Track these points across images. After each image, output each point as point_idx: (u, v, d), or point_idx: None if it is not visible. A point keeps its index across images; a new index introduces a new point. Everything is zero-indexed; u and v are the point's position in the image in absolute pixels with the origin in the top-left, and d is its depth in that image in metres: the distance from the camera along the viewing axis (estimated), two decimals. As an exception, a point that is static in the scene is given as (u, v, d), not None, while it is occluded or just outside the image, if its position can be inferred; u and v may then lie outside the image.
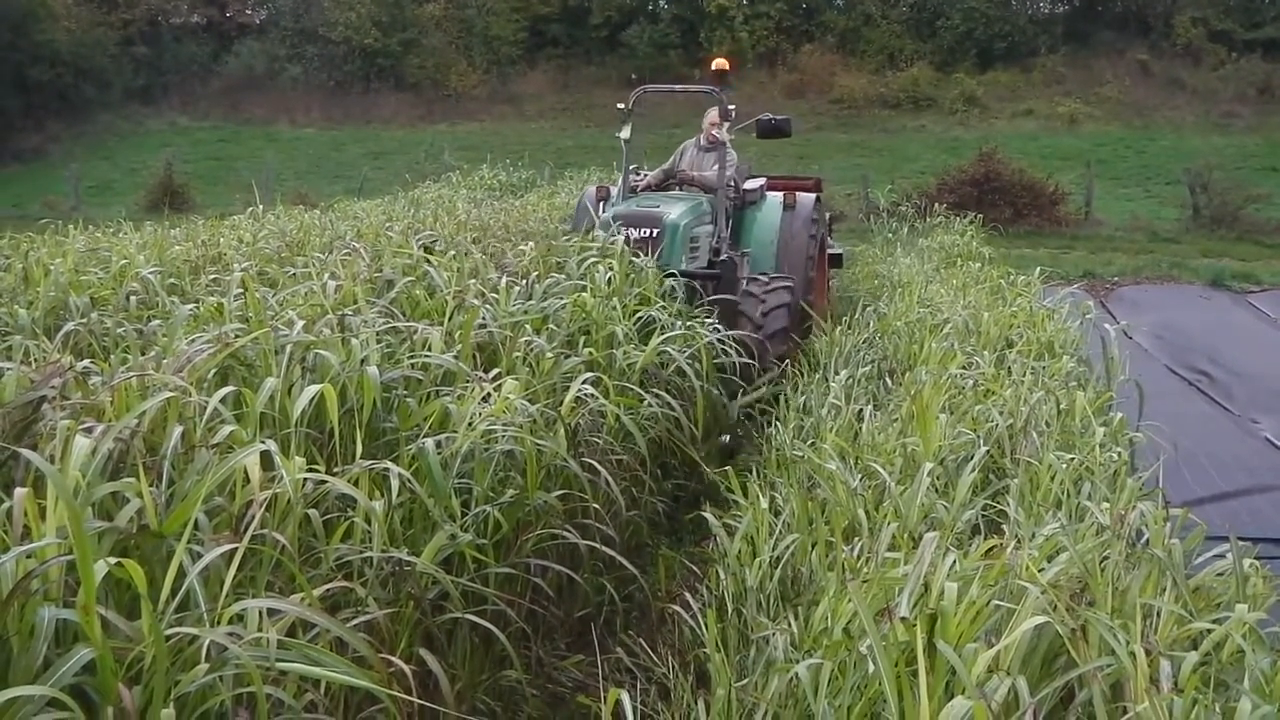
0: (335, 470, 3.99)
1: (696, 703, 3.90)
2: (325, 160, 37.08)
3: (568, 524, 4.95)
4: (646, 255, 8.49)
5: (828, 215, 12.46)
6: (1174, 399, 10.84)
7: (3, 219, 22.52)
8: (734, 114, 10.72)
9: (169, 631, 2.85)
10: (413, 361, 5.24)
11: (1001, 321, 8.08)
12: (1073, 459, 4.91)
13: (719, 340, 7.67)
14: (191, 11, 48.11)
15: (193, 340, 4.81)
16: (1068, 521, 3.99)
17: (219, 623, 2.98)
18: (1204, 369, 12.29)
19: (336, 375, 4.61)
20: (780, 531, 4.60)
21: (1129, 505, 4.04)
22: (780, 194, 10.96)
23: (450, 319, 6.07)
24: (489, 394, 4.93)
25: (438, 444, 4.37)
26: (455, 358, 5.36)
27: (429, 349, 5.37)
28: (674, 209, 9.60)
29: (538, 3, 46.44)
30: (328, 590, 3.47)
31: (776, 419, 6.91)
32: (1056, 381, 6.51)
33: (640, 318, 7.29)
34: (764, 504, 4.80)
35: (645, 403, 6.18)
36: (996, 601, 3.20)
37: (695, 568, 5.70)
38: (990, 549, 3.51)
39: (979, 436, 5.25)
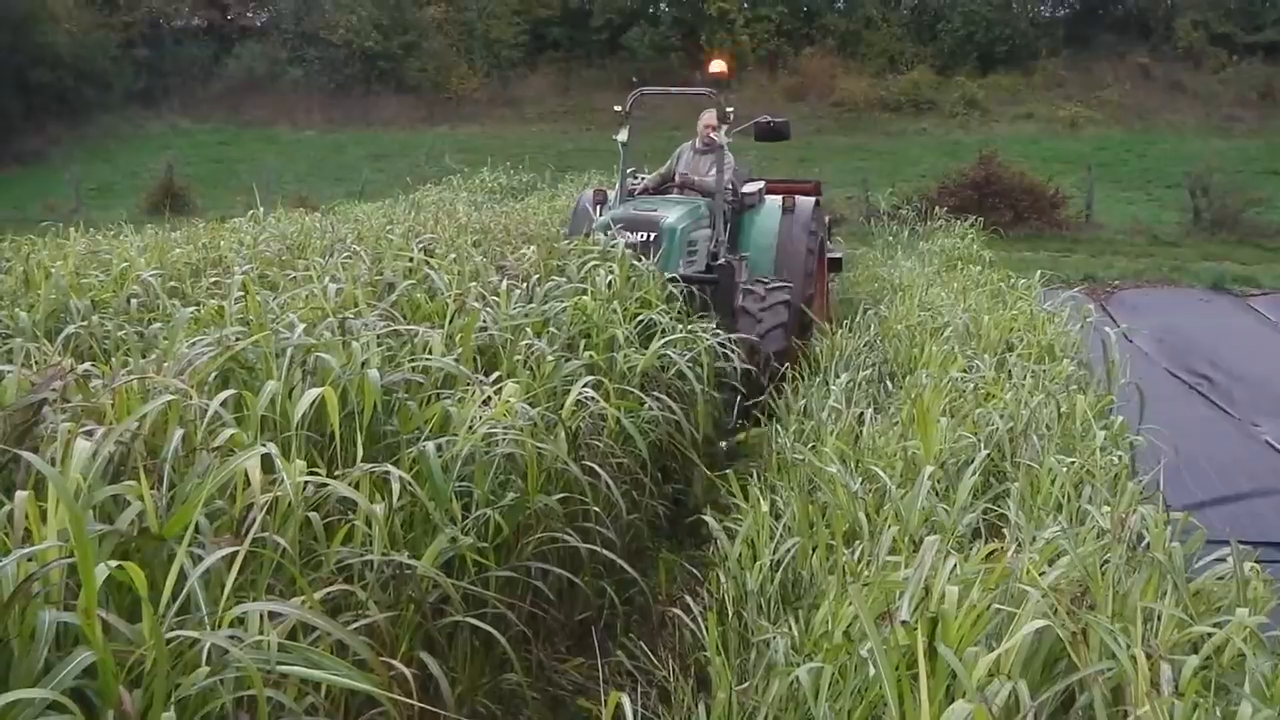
0: (336, 473, 3.99)
1: (697, 706, 3.91)
2: (326, 163, 37.07)
3: (568, 527, 4.95)
4: (644, 259, 8.44)
5: (827, 219, 12.41)
6: (1175, 402, 10.84)
7: (3, 221, 22.48)
8: (732, 116, 10.62)
9: (170, 634, 2.85)
10: (413, 365, 5.24)
11: (1002, 325, 8.08)
12: (1073, 462, 4.91)
13: (719, 344, 7.65)
14: (192, 14, 48.09)
15: (194, 343, 4.82)
16: (1068, 525, 3.99)
17: (220, 626, 2.97)
18: (1205, 372, 12.28)
19: (337, 378, 4.61)
20: (781, 535, 4.61)
21: (1130, 509, 4.04)
22: (779, 197, 10.91)
23: (451, 322, 6.07)
24: (490, 397, 4.93)
25: (438, 447, 4.37)
26: (456, 361, 5.36)
27: (430, 352, 5.38)
28: (671, 213, 9.55)
29: (538, 5, 46.45)
30: (328, 593, 3.47)
31: (777, 422, 6.91)
32: (1057, 385, 6.52)
33: (641, 321, 7.28)
34: (765, 507, 4.81)
35: (646, 406, 6.18)
36: (997, 605, 3.21)
37: (696, 571, 5.70)
38: (991, 553, 3.51)
39: (979, 440, 5.25)
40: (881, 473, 4.71)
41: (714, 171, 10.44)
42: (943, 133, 38.29)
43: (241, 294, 5.98)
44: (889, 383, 7.23)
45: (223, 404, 3.97)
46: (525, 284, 7.31)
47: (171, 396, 3.81)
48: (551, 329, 6.56)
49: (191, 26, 47.81)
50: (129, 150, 39.20)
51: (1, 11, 38.44)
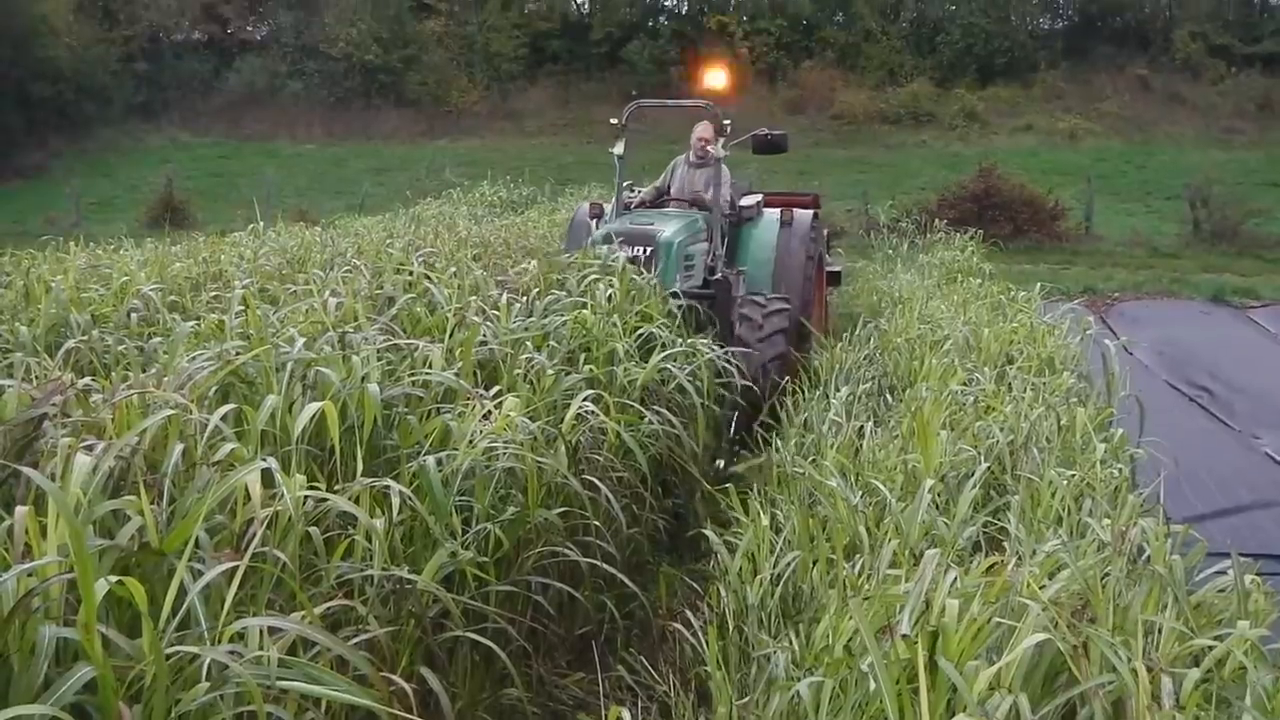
0: (336, 488, 3.99)
1: (698, 720, 3.91)
2: (326, 176, 37.09)
3: (568, 541, 4.95)
4: (641, 274, 8.38)
5: (826, 232, 12.33)
6: (1175, 415, 10.84)
7: (4, 235, 22.50)
8: (729, 129, 10.46)
9: (169, 650, 2.85)
10: (413, 379, 5.24)
11: (1002, 337, 8.08)
12: (1073, 475, 4.91)
13: (719, 358, 7.63)
14: (193, 28, 48.13)
15: (194, 357, 4.82)
16: (1069, 538, 3.99)
17: (220, 641, 2.97)
18: (1205, 384, 12.29)
19: (337, 393, 4.61)
20: (781, 549, 4.60)
21: (1130, 522, 4.04)
22: (777, 210, 10.82)
23: (451, 336, 6.07)
24: (490, 411, 4.93)
25: (438, 461, 4.37)
26: (456, 375, 5.36)
27: (430, 366, 5.38)
28: (668, 227, 9.44)
29: (538, 19, 46.58)
30: (328, 608, 3.46)
31: (777, 436, 6.91)
32: (1057, 397, 6.52)
33: (641, 334, 7.28)
34: (765, 521, 4.81)
35: (646, 420, 6.18)
36: (998, 619, 3.20)
37: (696, 585, 5.70)
38: (991, 566, 3.51)
39: (979, 453, 5.26)
40: (882, 486, 4.71)
41: (710, 185, 10.35)
42: (942, 145, 38.32)
43: (242, 308, 5.98)
44: (889, 396, 7.23)
45: (223, 418, 3.97)
46: (525, 298, 7.31)
47: (172, 411, 3.81)
48: (551, 343, 6.56)
49: (191, 40, 47.85)
50: (129, 164, 39.22)
51: (2, 26, 38.49)
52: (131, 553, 3.16)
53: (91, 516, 3.13)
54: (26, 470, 3.19)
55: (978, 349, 7.83)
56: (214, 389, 4.53)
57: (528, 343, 6.32)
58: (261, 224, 13.58)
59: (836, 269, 12.94)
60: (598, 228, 10.03)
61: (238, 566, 3.09)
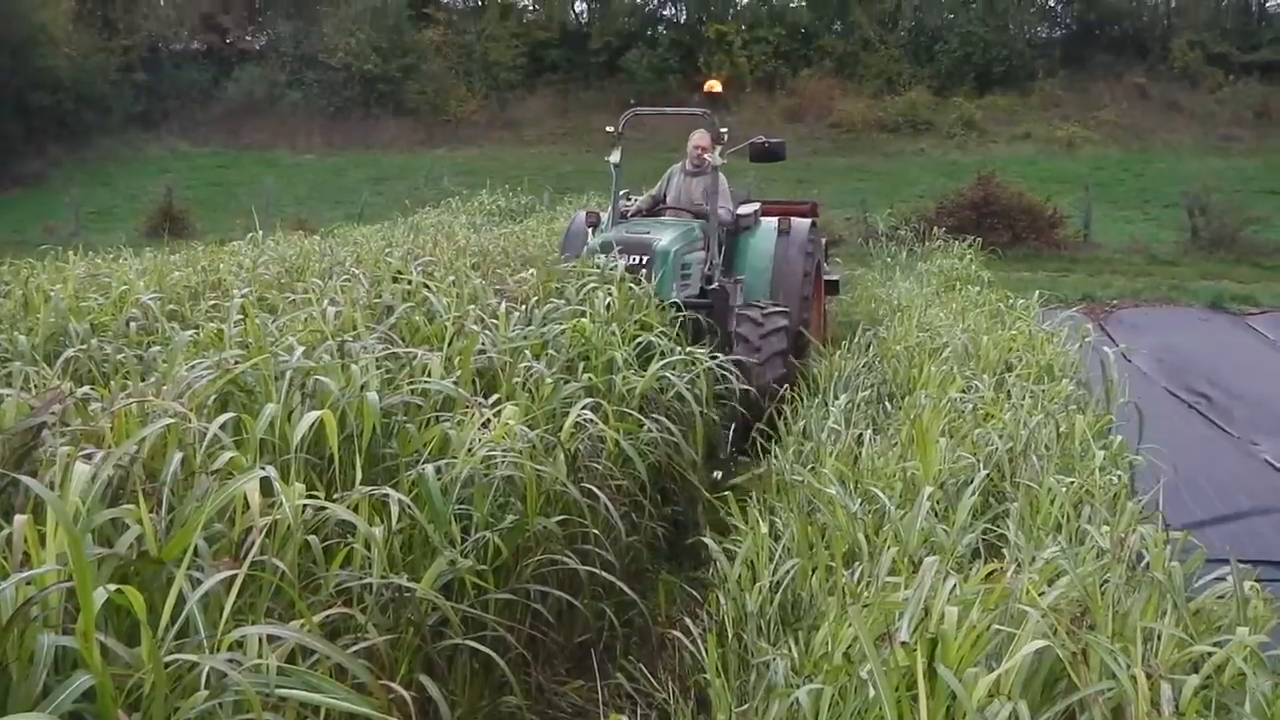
0: (335, 496, 4.00)
1: (697, 728, 3.91)
2: (325, 186, 37.10)
3: (567, 549, 4.95)
4: (638, 283, 8.35)
5: (824, 240, 12.28)
6: (1173, 421, 10.84)
7: (3, 244, 22.50)
8: (726, 136, 10.42)
9: (168, 658, 2.85)
10: (412, 387, 5.25)
11: (1001, 345, 8.09)
12: (1072, 482, 4.92)
13: (718, 366, 7.61)
14: (191, 38, 48.18)
15: (192, 366, 4.82)
16: (1068, 545, 3.99)
17: (218, 649, 2.97)
18: (1203, 391, 12.29)
19: (336, 401, 4.62)
20: (780, 556, 4.61)
21: (1129, 528, 4.05)
22: (775, 219, 10.79)
23: (450, 344, 6.07)
24: (489, 419, 4.93)
25: (437, 470, 4.37)
26: (455, 383, 5.36)
27: (429, 375, 5.38)
28: (664, 235, 9.39)
29: (537, 28, 46.63)
30: (327, 616, 3.46)
31: (776, 443, 6.91)
32: (1056, 405, 6.52)
33: (640, 343, 7.28)
34: (764, 529, 4.81)
35: (645, 428, 6.18)
36: (997, 625, 3.20)
37: (695, 593, 5.69)
38: (990, 573, 3.51)
39: (979, 460, 5.26)
40: (881, 493, 4.71)
41: (707, 194, 10.31)
42: (940, 153, 38.35)
43: (240, 317, 5.99)
44: (888, 404, 7.24)
45: (222, 427, 3.97)
46: (524, 306, 7.31)
47: (170, 420, 3.82)
48: (550, 351, 6.56)
49: (190, 50, 47.87)
50: (128, 173, 39.23)
51: (2, 36, 38.53)
52: (130, 561, 3.16)
53: (90, 525, 3.12)
54: (25, 479, 3.19)
55: (977, 356, 7.83)
56: (213, 398, 4.54)
57: (526, 351, 6.32)
58: (260, 233, 13.58)
59: (835, 278, 12.92)
60: (594, 236, 10.01)
61: (236, 575, 3.09)
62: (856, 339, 9.21)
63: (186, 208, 31.05)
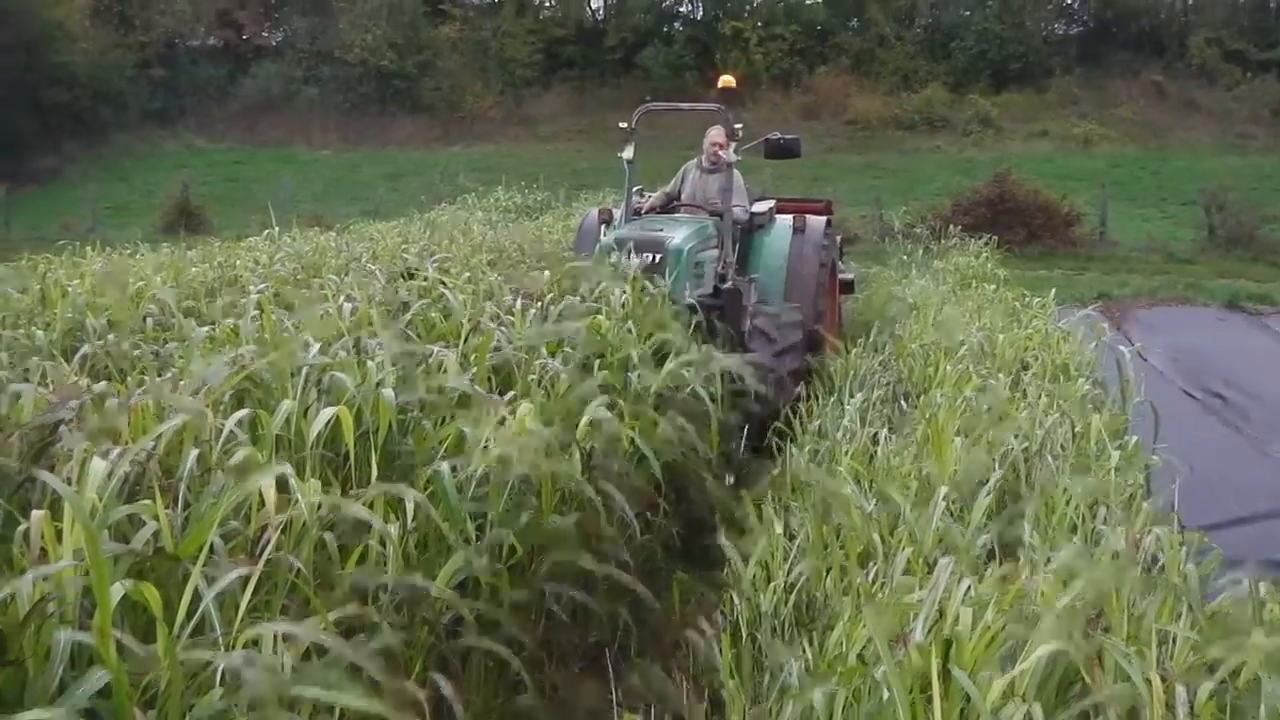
0: (350, 493, 4.00)
1: (711, 728, 3.91)
2: (341, 182, 37.18)
3: (582, 548, 4.94)
4: (651, 281, 8.25)
5: (839, 239, 12.12)
6: (1190, 422, 10.82)
7: (20, 241, 22.65)
8: (740, 133, 10.33)
9: (184, 655, 2.86)
10: (428, 384, 5.24)
11: (1016, 344, 8.07)
12: (1088, 483, 4.90)
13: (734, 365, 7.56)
14: (208, 34, 48.34)
15: (209, 362, 4.83)
16: (1083, 546, 3.98)
17: (234, 646, 2.98)
18: (1220, 391, 12.26)
19: (352, 398, 4.62)
20: (795, 556, 4.60)
21: (1145, 530, 4.03)
22: (790, 217, 10.65)
23: (466, 342, 6.07)
24: (504, 417, 4.93)
25: (453, 467, 4.37)
26: (471, 381, 5.36)
27: (444, 372, 5.38)
28: (678, 233, 9.28)
29: (553, 25, 46.68)
30: (342, 614, 3.47)
31: (791, 442, 6.90)
32: (1072, 404, 6.50)
33: (655, 341, 7.25)
34: (779, 529, 4.80)
35: (660, 426, 6.17)
36: (1011, 627, 3.20)
37: (710, 593, 5.69)
38: (1005, 574, 3.50)
39: (994, 460, 5.24)
40: (896, 494, 4.71)
41: (723, 191, 10.22)
42: (956, 151, 38.32)
43: (257, 313, 6.00)
44: (903, 403, 7.22)
45: (238, 423, 3.99)
46: (540, 304, 7.30)
47: (187, 416, 3.82)
48: (566, 349, 6.55)
49: (207, 46, 48.04)
50: (145, 169, 39.36)
51: (18, 32, 38.67)
52: (146, 557, 3.17)
53: (107, 521, 3.13)
54: (43, 474, 3.20)
55: (992, 355, 7.81)
56: (229, 394, 4.54)
57: (542, 349, 6.32)
58: (277, 229, 13.58)
59: (849, 276, 12.76)
60: (606, 234, 9.89)
61: (252, 572, 3.10)
62: (872, 338, 9.18)
63: (203, 204, 31.19)
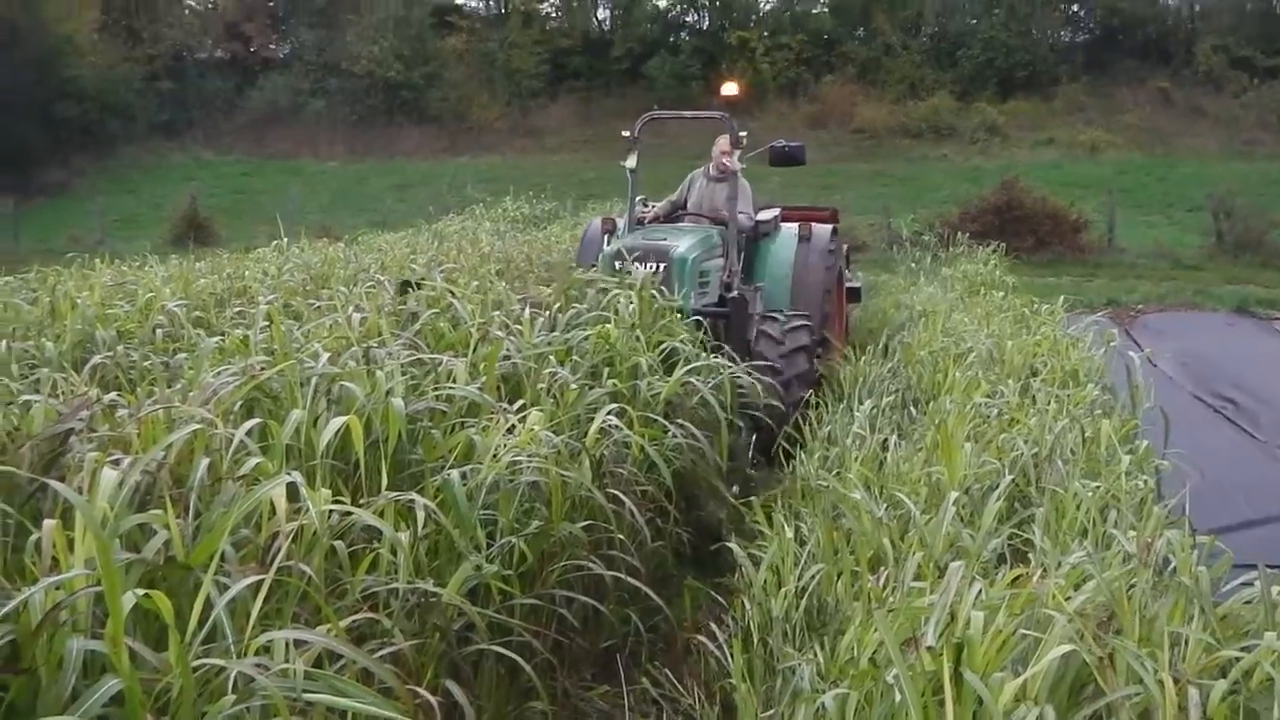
0: (361, 502, 4.00)
1: (722, 733, 3.91)
2: (349, 193, 37.23)
3: (593, 555, 4.95)
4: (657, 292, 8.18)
5: (845, 247, 12.08)
6: (1200, 426, 10.80)
7: (30, 253, 22.71)
8: (744, 141, 10.23)
9: (196, 662, 2.86)
10: (437, 393, 5.25)
11: (1025, 350, 8.06)
12: (1098, 487, 4.90)
13: (740, 374, 7.53)
14: (215, 46, 48.52)
15: (219, 373, 4.84)
16: (1094, 550, 3.97)
17: (246, 654, 2.98)
18: (1230, 396, 12.23)
19: (362, 407, 4.63)
20: (806, 561, 4.60)
21: (1155, 533, 4.03)
22: (795, 225, 10.62)
23: (474, 351, 6.08)
24: (514, 425, 4.94)
25: (463, 475, 4.37)
26: (480, 389, 5.37)
27: (453, 381, 5.38)
28: (682, 242, 9.19)
29: (559, 36, 46.79)
30: (354, 621, 3.47)
31: (801, 449, 6.90)
32: (1081, 410, 6.49)
33: (664, 349, 7.25)
34: (789, 534, 4.80)
35: (670, 434, 6.17)
36: (1023, 630, 3.19)
37: (720, 598, 5.69)
38: (1016, 578, 3.50)
39: (1004, 465, 5.24)
40: (906, 499, 4.70)
41: (728, 200, 10.10)
42: (963, 159, 38.33)
43: (266, 323, 6.01)
44: (913, 409, 7.21)
45: (248, 433, 3.99)
46: (548, 312, 7.31)
47: (197, 426, 3.83)
48: (575, 357, 6.55)
49: (214, 59, 48.24)
50: (152, 182, 39.46)
51: (28, 46, 38.82)
52: (158, 566, 3.17)
53: (118, 530, 3.14)
54: (54, 484, 3.21)
55: (1001, 362, 7.81)
56: (239, 404, 4.55)
57: (551, 357, 6.32)
58: (285, 240, 13.61)
59: (857, 285, 12.72)
60: (609, 243, 9.83)
61: (263, 580, 3.11)
62: (880, 344, 9.17)
63: (211, 216, 31.26)
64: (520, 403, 5.43)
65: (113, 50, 43.49)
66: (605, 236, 10.38)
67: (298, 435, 4.26)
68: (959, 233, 20.38)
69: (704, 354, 7.42)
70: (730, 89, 12.20)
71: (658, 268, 8.76)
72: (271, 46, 49.67)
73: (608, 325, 6.99)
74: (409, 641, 3.59)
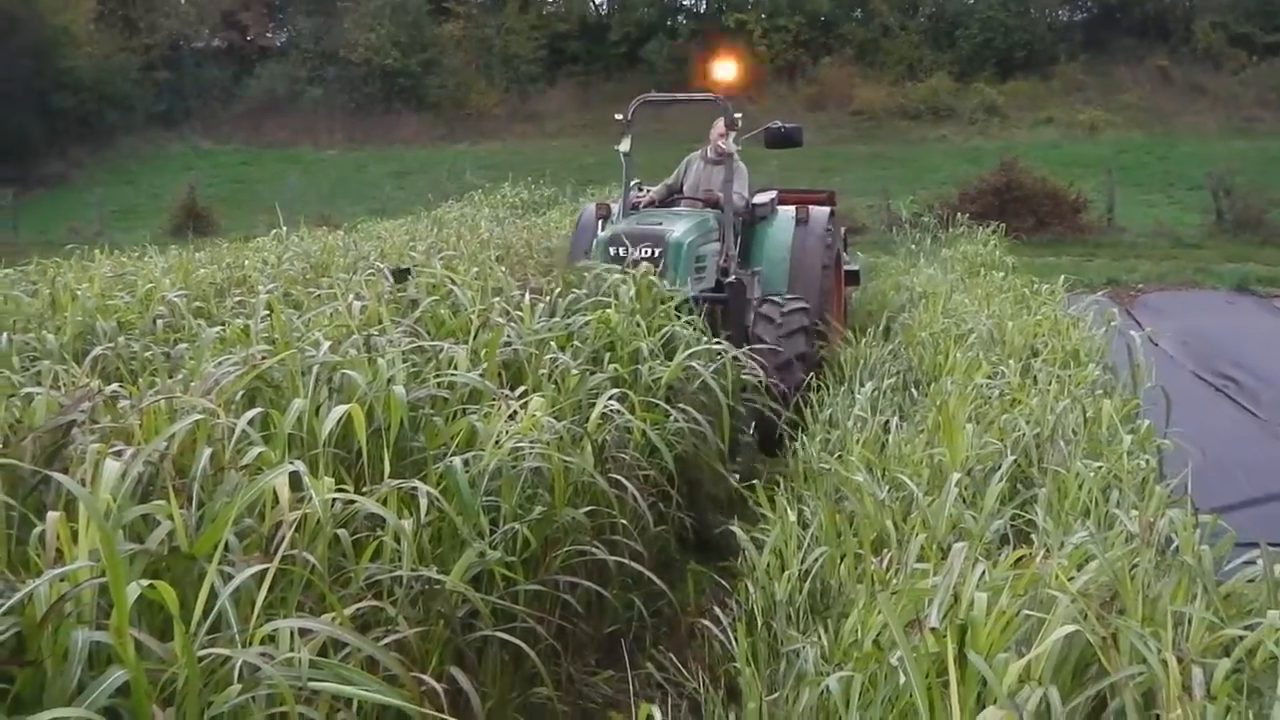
0: (364, 490, 4.01)
1: (728, 717, 3.91)
2: (348, 181, 37.16)
3: (596, 540, 4.95)
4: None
5: (843, 229, 12.00)
6: (1201, 405, 10.78)
7: (29, 245, 22.68)
8: (740, 123, 10.11)
9: (201, 652, 2.87)
10: (439, 380, 5.25)
11: (1026, 330, 8.06)
12: (1100, 467, 4.90)
13: (742, 356, 7.51)
14: (212, 35, 48.45)
15: (220, 362, 4.84)
16: (1096, 530, 3.98)
17: (251, 643, 2.99)
18: (1230, 374, 12.21)
19: (363, 395, 4.62)
20: (809, 544, 4.60)
21: (1158, 512, 4.03)
22: (792, 208, 10.51)
23: (475, 337, 6.07)
24: (515, 411, 4.94)
25: (465, 462, 4.38)
26: (481, 376, 5.36)
27: (455, 368, 5.38)
28: (678, 226, 9.08)
29: (556, 20, 46.68)
30: (358, 609, 3.48)
31: (803, 431, 6.90)
32: (1083, 390, 6.50)
33: (665, 333, 7.24)
34: (792, 517, 4.81)
35: (671, 418, 6.17)
36: (1026, 611, 3.20)
37: (724, 582, 5.70)
38: (1019, 558, 3.50)
39: (1006, 446, 5.25)
40: (908, 480, 4.71)
41: (724, 182, 9.98)
42: (962, 139, 38.26)
43: (266, 313, 6.01)
44: (914, 390, 7.22)
45: (250, 422, 3.99)
46: (548, 298, 7.29)
47: (199, 416, 3.83)
48: (576, 343, 6.54)
49: (211, 48, 48.16)
50: (151, 172, 39.43)
51: (24, 37, 38.75)
52: (162, 557, 3.18)
53: (122, 521, 3.14)
54: (57, 476, 3.21)
55: (1002, 342, 7.81)
56: (240, 393, 4.55)
57: (552, 343, 6.31)
58: (284, 229, 13.59)
59: (855, 268, 12.62)
60: (604, 229, 9.70)
61: (267, 569, 3.11)
62: (881, 326, 9.17)
63: (209, 205, 31.20)
64: (522, 389, 5.43)
65: (109, 40, 43.36)
66: (600, 222, 10.29)
67: (300, 424, 4.26)
68: (958, 214, 20.36)
69: (706, 336, 7.39)
70: (725, 71, 12.01)
71: (653, 253, 8.66)
72: (268, 35, 49.65)
73: (608, 310, 6.98)
74: (413, 629, 3.60)
